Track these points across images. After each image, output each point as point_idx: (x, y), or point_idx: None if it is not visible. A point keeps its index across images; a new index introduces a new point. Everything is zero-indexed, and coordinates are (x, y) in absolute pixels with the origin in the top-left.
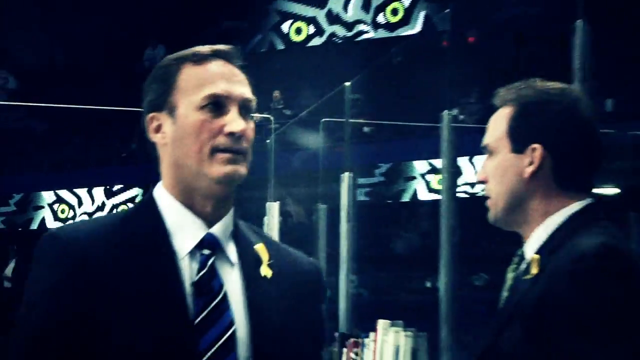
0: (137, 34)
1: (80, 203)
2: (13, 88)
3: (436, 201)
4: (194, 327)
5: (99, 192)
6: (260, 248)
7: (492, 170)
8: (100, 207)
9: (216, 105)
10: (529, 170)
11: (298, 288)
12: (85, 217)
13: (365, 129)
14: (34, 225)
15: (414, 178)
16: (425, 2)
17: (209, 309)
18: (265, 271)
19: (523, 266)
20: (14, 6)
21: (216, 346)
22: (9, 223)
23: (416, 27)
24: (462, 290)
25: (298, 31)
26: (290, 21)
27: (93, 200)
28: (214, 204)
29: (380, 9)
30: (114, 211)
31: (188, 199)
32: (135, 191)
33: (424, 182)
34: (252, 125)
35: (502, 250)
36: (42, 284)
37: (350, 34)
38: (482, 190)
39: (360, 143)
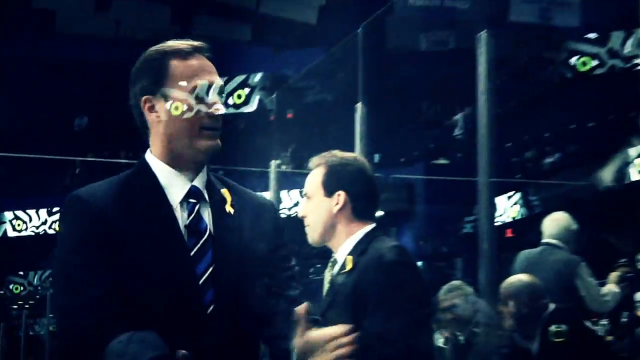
0: (69, 108)
1: (30, 220)
2: None
3: None
4: (191, 258)
5: (43, 212)
6: (224, 192)
7: (310, 209)
8: (44, 223)
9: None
10: (336, 208)
11: (257, 219)
12: (35, 230)
13: (220, 172)
14: None
15: None
16: (259, 90)
17: (199, 245)
18: (229, 208)
19: (337, 267)
20: None
21: (206, 274)
22: None
23: (253, 106)
24: None
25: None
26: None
27: (39, 218)
28: (195, 166)
29: (230, 94)
30: (54, 225)
31: (175, 163)
32: None
33: None
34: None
35: (307, 251)
36: (70, 235)
37: (209, 111)
38: (304, 223)
39: None
